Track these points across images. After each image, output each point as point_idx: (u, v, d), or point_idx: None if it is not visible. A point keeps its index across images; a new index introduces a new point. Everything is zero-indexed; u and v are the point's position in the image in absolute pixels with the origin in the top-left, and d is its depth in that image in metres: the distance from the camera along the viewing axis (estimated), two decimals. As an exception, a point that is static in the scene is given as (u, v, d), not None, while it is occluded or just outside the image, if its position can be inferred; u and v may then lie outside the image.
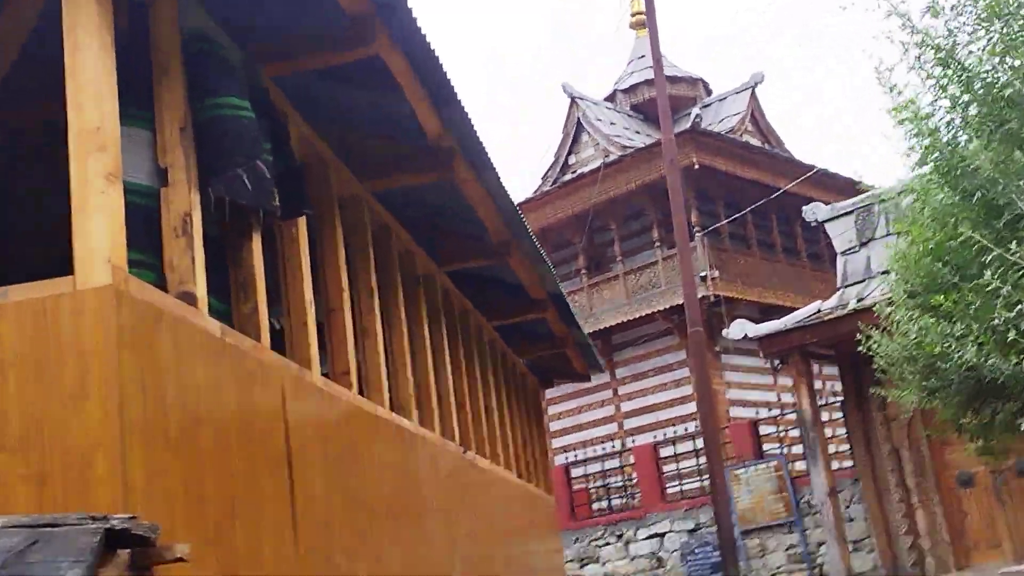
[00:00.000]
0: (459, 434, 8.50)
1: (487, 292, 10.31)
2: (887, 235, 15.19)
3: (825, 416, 15.94)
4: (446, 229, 8.75)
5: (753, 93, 26.34)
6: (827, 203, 25.62)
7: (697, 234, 21.95)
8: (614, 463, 20.28)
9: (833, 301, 15.15)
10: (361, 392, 6.34)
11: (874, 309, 8.30)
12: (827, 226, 15.88)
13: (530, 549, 10.93)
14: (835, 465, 15.39)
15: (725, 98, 26.73)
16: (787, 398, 22.83)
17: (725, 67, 70.55)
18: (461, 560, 7.84)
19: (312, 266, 5.66)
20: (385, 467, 6.35)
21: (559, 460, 21.58)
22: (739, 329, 15.21)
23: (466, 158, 6.77)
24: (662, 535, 17.31)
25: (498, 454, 9.99)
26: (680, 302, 22.06)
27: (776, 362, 24.60)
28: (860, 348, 8.24)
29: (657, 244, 23.23)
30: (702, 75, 28.16)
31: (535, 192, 24.08)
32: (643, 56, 28.42)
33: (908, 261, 6.75)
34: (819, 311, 14.80)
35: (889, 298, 7.64)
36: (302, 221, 5.48)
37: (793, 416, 18.43)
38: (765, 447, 17.37)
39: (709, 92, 27.67)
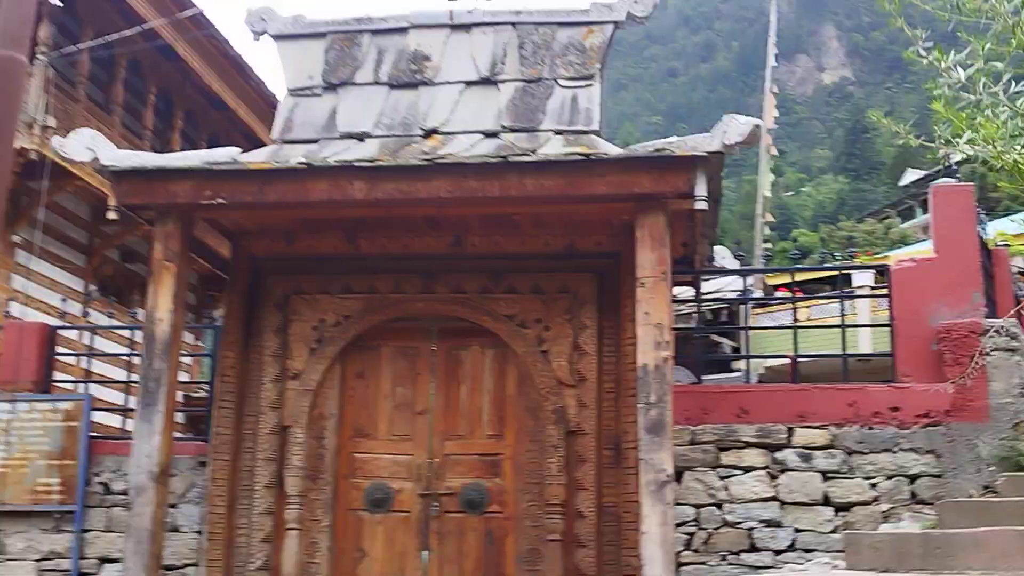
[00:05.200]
0: None
1: None
2: (376, 83, 9.26)
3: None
4: None
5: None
6: (241, 122, 19.34)
7: (40, 57, 14.25)
8: None
9: (262, 155, 8.80)
10: None
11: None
12: (280, 46, 9.52)
13: None
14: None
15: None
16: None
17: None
18: None
19: None
20: None
21: None
22: (84, 146, 8.08)
23: None
24: None
25: None
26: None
27: (94, 287, 17.33)
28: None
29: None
30: None
31: None
32: None
33: None
34: (235, 160, 8.26)
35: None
36: None
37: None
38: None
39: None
